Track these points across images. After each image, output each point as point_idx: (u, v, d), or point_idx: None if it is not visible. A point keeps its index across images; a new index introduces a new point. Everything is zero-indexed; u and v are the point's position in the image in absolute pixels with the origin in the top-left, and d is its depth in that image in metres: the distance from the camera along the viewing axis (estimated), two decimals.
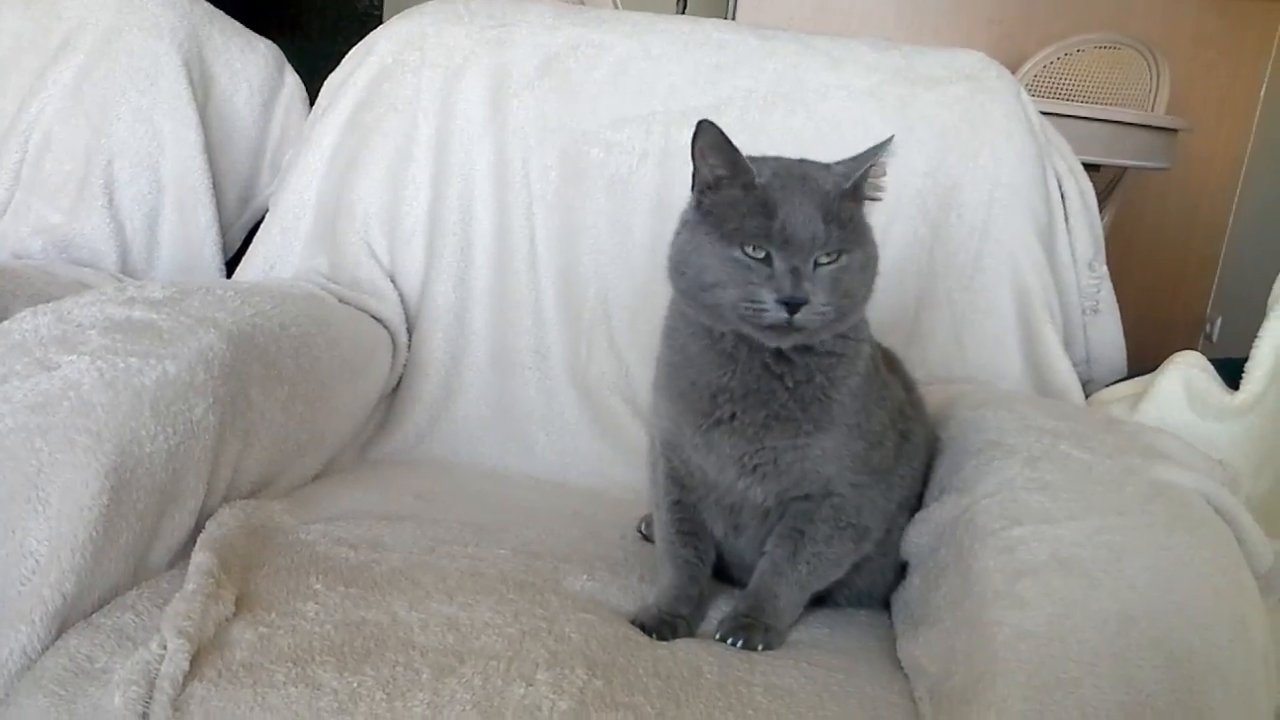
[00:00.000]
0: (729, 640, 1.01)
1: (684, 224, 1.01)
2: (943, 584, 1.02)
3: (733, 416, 1.02)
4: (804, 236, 0.93)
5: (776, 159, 1.00)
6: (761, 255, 0.94)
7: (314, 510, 1.22)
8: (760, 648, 1.00)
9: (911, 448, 1.13)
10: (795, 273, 0.92)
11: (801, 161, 1.01)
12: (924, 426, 1.19)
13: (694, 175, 1.00)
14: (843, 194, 0.96)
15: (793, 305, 0.92)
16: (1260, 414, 1.35)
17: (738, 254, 0.94)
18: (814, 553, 1.05)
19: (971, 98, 1.62)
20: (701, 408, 1.03)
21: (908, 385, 1.18)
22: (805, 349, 1.00)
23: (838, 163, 1.00)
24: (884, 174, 1.01)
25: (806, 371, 1.01)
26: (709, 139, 0.96)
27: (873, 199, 1.02)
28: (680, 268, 0.99)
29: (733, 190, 0.97)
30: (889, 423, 1.08)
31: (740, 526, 1.09)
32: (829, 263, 0.95)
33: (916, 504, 1.16)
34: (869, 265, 0.99)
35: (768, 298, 0.93)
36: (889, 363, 1.15)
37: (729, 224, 0.95)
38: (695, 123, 0.96)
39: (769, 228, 0.93)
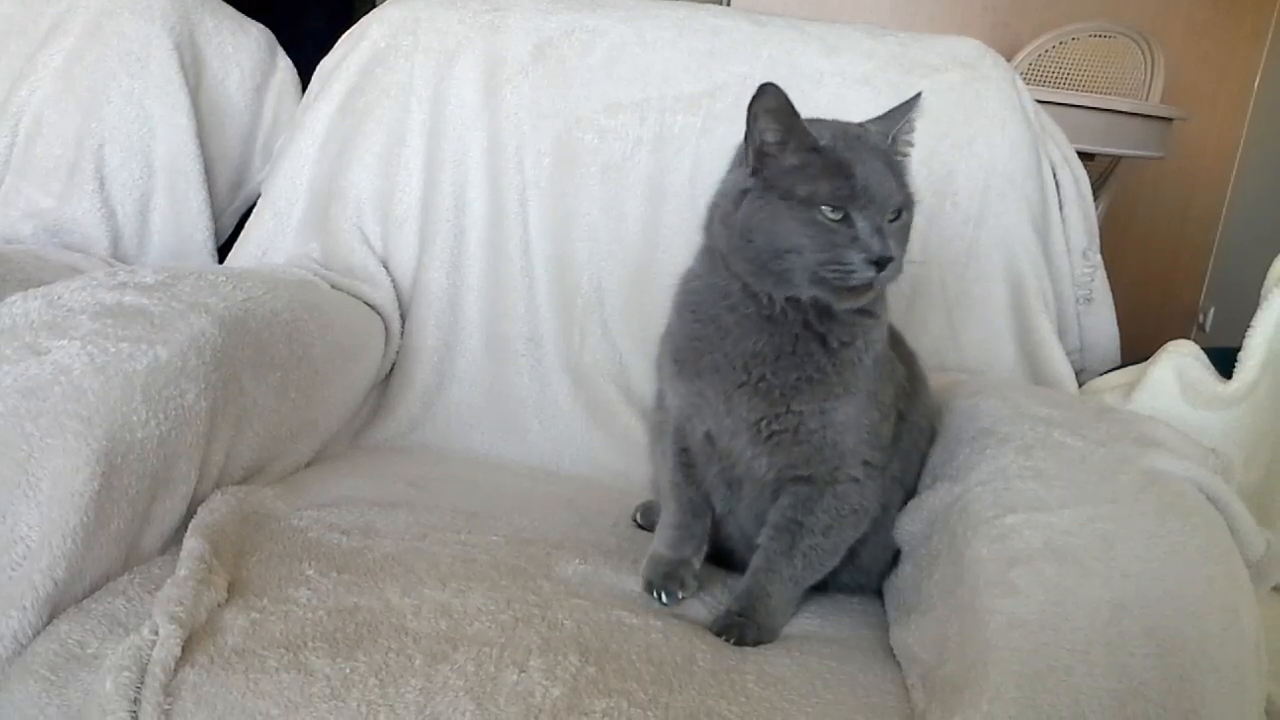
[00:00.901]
0: (722, 638, 1.00)
1: (742, 193, 0.98)
2: (935, 572, 1.02)
3: (761, 378, 1.01)
4: (882, 194, 0.94)
5: (830, 121, 1.00)
6: (839, 216, 0.93)
7: (306, 496, 1.21)
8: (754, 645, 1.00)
9: (906, 426, 1.13)
10: (880, 231, 0.93)
11: (848, 123, 1.01)
12: (925, 404, 1.19)
13: (746, 141, 0.98)
14: (896, 150, 0.99)
15: (881, 263, 0.92)
16: (1253, 403, 1.36)
17: (819, 217, 0.93)
18: (811, 545, 1.05)
19: (967, 85, 1.61)
20: (731, 375, 1.02)
21: (909, 359, 1.18)
22: (835, 314, 1.01)
23: (870, 121, 1.02)
24: (913, 129, 1.02)
25: (850, 332, 1.01)
26: (769, 103, 0.95)
27: (903, 155, 1.02)
28: (749, 236, 0.97)
29: (797, 154, 0.95)
30: (893, 399, 1.09)
31: (740, 499, 1.09)
32: (895, 219, 0.96)
33: (914, 483, 1.16)
34: (910, 226, 1.01)
35: (855, 258, 0.92)
36: (894, 336, 1.15)
37: (803, 187, 0.94)
38: (756, 89, 0.96)
39: (850, 187, 0.93)
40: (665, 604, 1.05)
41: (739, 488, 1.09)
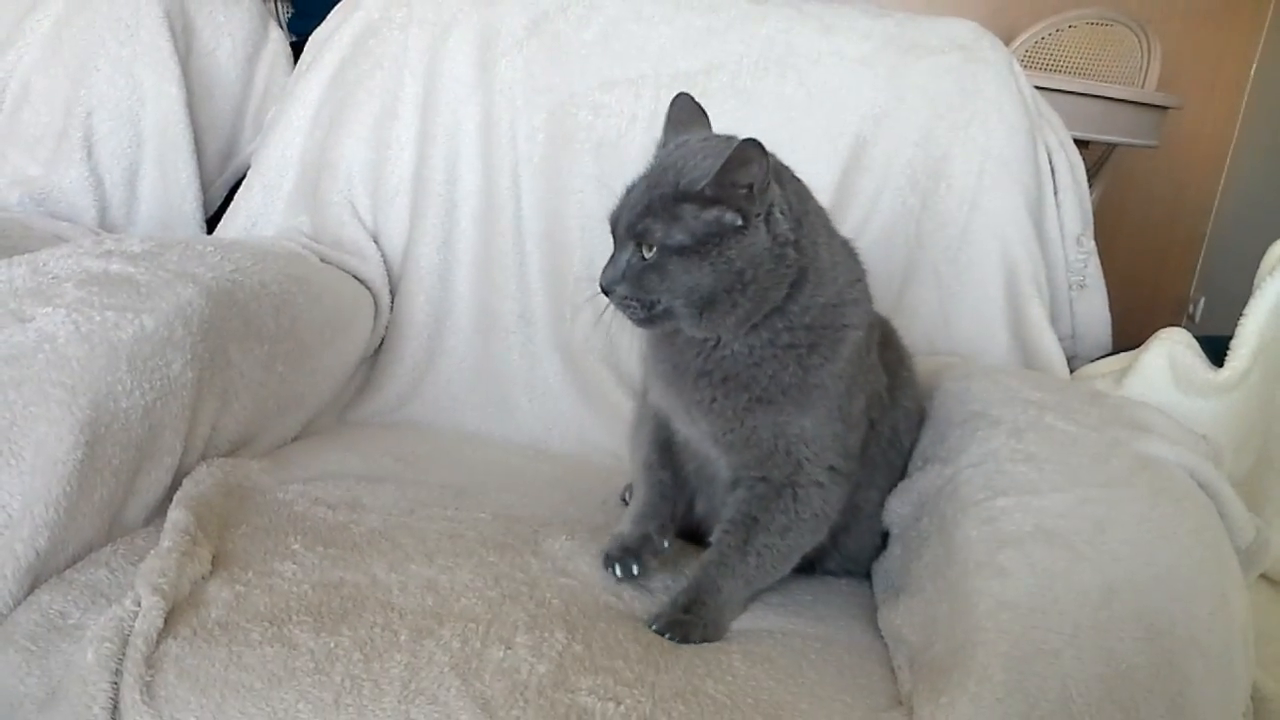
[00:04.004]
0: (665, 635, 0.94)
1: None
2: (925, 553, 1.02)
3: (713, 399, 1.01)
4: (621, 226, 0.96)
5: (688, 143, 0.98)
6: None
7: (293, 470, 1.20)
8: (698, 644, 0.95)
9: (875, 434, 1.11)
10: (613, 260, 0.96)
11: (692, 146, 0.97)
12: (904, 406, 1.16)
13: None
14: (688, 193, 0.91)
15: (604, 289, 0.96)
16: (1244, 391, 1.36)
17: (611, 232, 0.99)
18: (766, 544, 1.02)
19: (964, 67, 1.60)
20: (686, 390, 1.02)
21: (897, 363, 1.15)
22: (770, 342, 0.98)
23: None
24: (749, 180, 0.90)
25: (779, 363, 0.99)
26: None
27: (738, 205, 0.91)
28: None
29: None
30: (865, 409, 1.07)
31: (714, 488, 1.09)
32: (648, 259, 0.94)
33: (885, 482, 1.15)
34: (708, 270, 0.92)
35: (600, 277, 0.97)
36: (884, 338, 1.13)
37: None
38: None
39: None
40: (621, 578, 1.02)
41: (709, 481, 1.09)
